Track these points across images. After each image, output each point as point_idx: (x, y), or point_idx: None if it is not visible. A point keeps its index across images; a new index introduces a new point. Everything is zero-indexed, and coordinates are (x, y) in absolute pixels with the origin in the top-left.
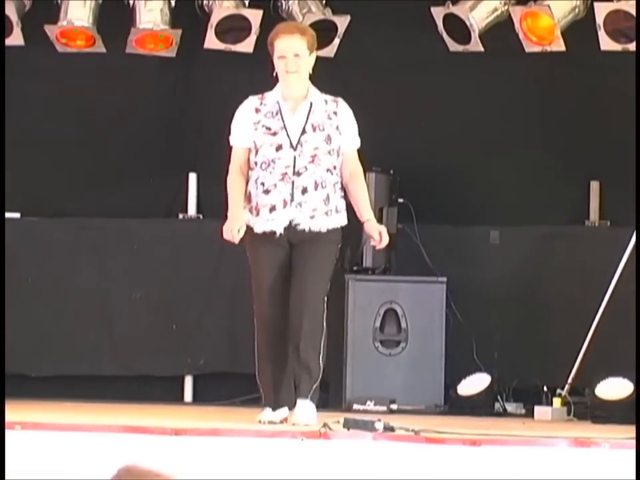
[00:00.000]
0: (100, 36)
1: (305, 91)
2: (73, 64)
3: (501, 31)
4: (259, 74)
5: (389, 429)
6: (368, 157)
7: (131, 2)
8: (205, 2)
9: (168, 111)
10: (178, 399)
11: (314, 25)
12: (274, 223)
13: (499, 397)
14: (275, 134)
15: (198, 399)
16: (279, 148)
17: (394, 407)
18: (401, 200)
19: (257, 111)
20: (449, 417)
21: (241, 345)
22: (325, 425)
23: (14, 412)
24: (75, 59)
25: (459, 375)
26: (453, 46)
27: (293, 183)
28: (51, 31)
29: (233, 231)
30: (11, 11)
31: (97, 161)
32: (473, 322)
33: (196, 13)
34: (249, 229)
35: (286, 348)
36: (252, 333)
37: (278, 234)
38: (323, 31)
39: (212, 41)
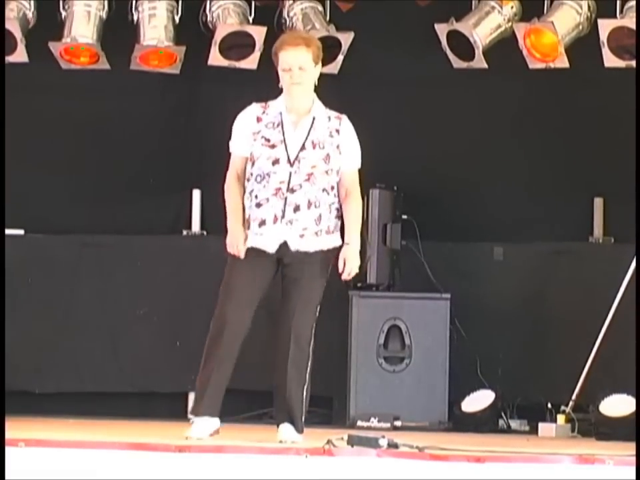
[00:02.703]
0: (104, 53)
1: (310, 104)
2: (77, 81)
3: (505, 48)
4: (264, 90)
5: (392, 445)
6: (372, 174)
7: (135, 19)
8: (209, 18)
9: (172, 128)
10: (182, 415)
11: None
12: (262, 239)
13: (502, 414)
14: (273, 147)
15: None
16: (275, 162)
17: (398, 423)
18: (404, 216)
19: (259, 120)
20: (453, 434)
21: (244, 362)
22: (328, 441)
23: (17, 429)
24: (79, 76)
25: (462, 391)
26: (457, 62)
27: (285, 199)
28: (55, 47)
29: (239, 246)
30: (14, 27)
31: (101, 178)
32: (477, 338)
33: (200, 29)
34: None
35: (235, 354)
36: (255, 348)
37: (271, 250)
38: (327, 48)
39: (216, 58)
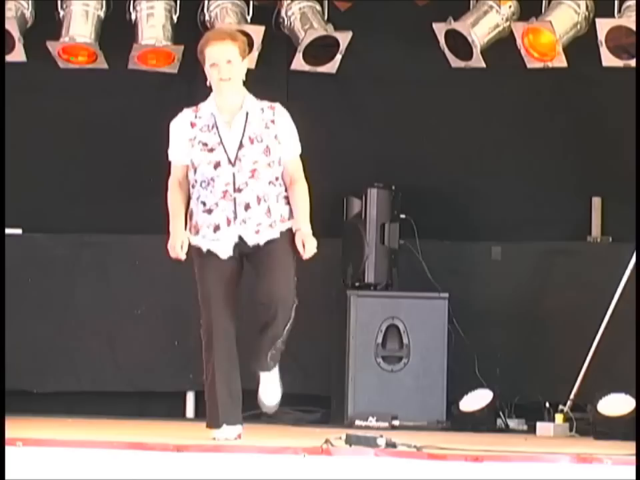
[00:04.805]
0: (102, 52)
1: (240, 100)
2: (75, 80)
3: (503, 47)
4: (261, 90)
5: (390, 445)
6: (370, 173)
7: (133, 18)
8: (207, 18)
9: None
10: (180, 414)
11: (316, 41)
12: (219, 243)
13: (501, 413)
14: (212, 150)
15: (200, 414)
16: (217, 165)
17: (396, 422)
18: (402, 216)
19: (193, 125)
20: (451, 433)
21: (240, 361)
22: (326, 441)
23: (16, 428)
24: (77, 75)
25: (460, 391)
26: (455, 62)
27: (234, 200)
28: (52, 47)
29: (176, 248)
30: (12, 27)
31: (99, 177)
32: (475, 338)
33: (198, 28)
34: (195, 249)
35: (235, 362)
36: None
37: (227, 256)
38: (325, 47)
39: None
